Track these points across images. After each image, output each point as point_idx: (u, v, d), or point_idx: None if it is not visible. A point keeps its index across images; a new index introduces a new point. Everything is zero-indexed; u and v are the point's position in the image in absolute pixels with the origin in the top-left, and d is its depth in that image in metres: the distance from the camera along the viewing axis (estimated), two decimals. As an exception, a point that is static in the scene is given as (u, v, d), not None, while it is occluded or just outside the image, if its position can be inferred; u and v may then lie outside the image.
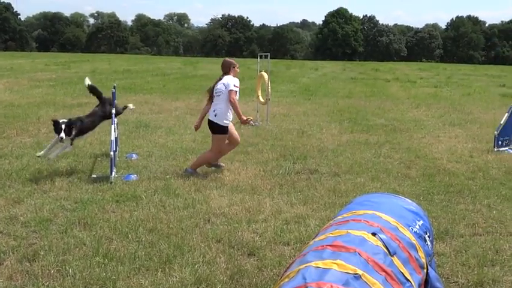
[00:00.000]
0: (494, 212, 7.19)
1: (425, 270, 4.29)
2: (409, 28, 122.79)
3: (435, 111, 18.38)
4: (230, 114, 8.99)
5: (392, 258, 3.86)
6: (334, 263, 3.51)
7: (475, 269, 5.25)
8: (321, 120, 15.62)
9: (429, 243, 4.63)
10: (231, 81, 8.89)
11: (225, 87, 8.85)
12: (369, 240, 3.90)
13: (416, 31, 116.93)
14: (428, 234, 4.66)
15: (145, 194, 7.61)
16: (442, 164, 10.08)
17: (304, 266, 3.55)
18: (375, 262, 3.68)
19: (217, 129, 8.92)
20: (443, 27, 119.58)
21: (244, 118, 8.94)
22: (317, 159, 10.21)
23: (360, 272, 3.47)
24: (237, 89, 8.93)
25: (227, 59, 9.38)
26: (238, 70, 9.26)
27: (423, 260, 4.28)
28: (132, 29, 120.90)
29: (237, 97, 8.96)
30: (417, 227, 4.53)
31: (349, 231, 4.02)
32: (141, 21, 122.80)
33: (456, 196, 7.92)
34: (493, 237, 6.20)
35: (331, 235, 4.03)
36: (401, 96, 23.74)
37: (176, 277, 4.96)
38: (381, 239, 3.93)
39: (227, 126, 8.97)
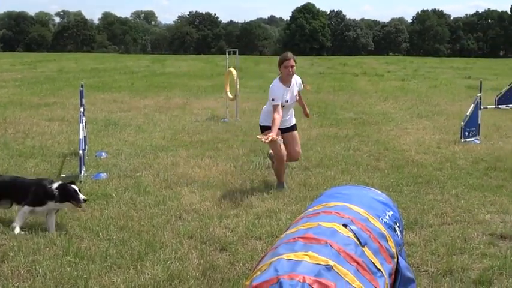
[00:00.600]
0: (462, 201, 7.30)
1: (395, 260, 4.33)
2: (375, 22, 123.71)
3: (403, 104, 18.56)
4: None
5: (363, 248, 3.90)
6: (306, 255, 3.53)
7: (445, 257, 5.33)
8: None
9: (399, 233, 4.68)
10: (270, 91, 7.72)
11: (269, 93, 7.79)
12: (340, 231, 3.93)
13: (383, 25, 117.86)
14: (398, 224, 4.71)
15: (116, 192, 7.55)
16: (411, 155, 10.20)
17: (276, 258, 3.57)
18: (346, 253, 3.71)
19: (261, 129, 7.99)
20: (409, 21, 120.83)
21: (265, 137, 7.18)
22: (287, 153, 10.23)
23: (331, 263, 3.49)
24: (274, 102, 7.58)
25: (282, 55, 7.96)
26: (288, 69, 7.69)
27: (393, 250, 4.32)
28: (99, 28, 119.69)
29: (286, 103, 7.75)
30: (387, 217, 4.57)
31: (320, 223, 4.05)
32: (108, 20, 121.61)
33: (425, 187, 8.03)
34: (461, 226, 6.30)
35: (302, 227, 4.05)
36: (369, 90, 23.92)
37: (148, 274, 4.94)
38: (352, 230, 3.96)
39: (265, 126, 7.82)
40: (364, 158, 9.92)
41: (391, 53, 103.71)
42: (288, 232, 4.17)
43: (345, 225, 4.00)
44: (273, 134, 7.23)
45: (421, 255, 5.39)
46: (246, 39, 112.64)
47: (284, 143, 7.88)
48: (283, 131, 7.96)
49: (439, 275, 4.95)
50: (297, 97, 8.06)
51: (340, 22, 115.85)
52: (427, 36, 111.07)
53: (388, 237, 4.32)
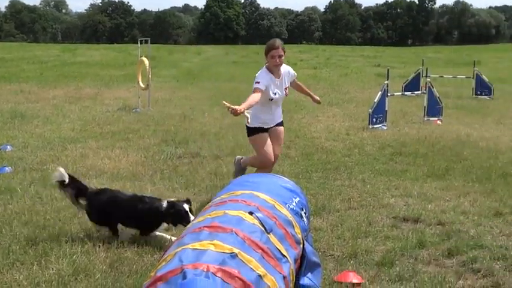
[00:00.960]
0: (368, 186, 7.51)
1: (301, 246, 4.41)
2: (289, 11, 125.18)
3: (314, 92, 18.33)
4: (261, 116, 6.72)
5: (268, 235, 3.95)
6: (211, 244, 3.54)
7: (350, 241, 5.47)
8: (204, 104, 15.63)
9: (305, 219, 4.77)
10: (257, 76, 6.67)
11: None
12: (245, 219, 3.96)
13: (297, 14, 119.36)
14: (304, 210, 4.80)
15: (21, 186, 7.30)
16: (321, 142, 10.39)
17: (181, 248, 3.56)
18: (252, 240, 3.75)
19: (248, 131, 6.95)
20: (322, 10, 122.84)
21: (230, 106, 6.04)
22: (199, 143, 10.22)
23: (236, 251, 3.52)
24: (257, 85, 6.48)
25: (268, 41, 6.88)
26: (275, 59, 6.59)
27: (299, 236, 4.40)
28: (6, 16, 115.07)
29: (275, 96, 6.73)
30: (294, 204, 4.65)
31: (227, 211, 4.07)
32: (16, 8, 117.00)
33: (333, 173, 8.20)
34: (366, 210, 6.48)
35: (209, 216, 4.06)
36: (282, 78, 24.12)
37: (53, 269, 4.81)
38: (258, 218, 4.01)
39: (251, 127, 6.77)
40: (275, 146, 10.00)
41: (304, 42, 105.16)
42: (194, 221, 4.17)
43: (251, 213, 4.04)
44: (241, 108, 6.07)
45: (328, 240, 5.51)
46: (160, 27, 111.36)
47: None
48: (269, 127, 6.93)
49: (344, 259, 5.08)
50: (287, 91, 6.96)
51: (254, 11, 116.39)
52: (339, 25, 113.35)
53: (294, 224, 4.40)
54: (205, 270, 3.27)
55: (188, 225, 4.19)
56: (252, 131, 6.85)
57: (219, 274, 3.27)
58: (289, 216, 4.41)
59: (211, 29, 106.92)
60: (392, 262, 4.99)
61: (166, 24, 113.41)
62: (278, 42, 6.72)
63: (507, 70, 31.02)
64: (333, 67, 31.97)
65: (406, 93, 16.11)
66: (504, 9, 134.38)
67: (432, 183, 7.71)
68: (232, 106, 6.01)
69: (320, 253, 5.09)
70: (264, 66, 6.81)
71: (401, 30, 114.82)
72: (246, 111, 6.14)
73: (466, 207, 6.63)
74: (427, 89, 13.55)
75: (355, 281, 4.53)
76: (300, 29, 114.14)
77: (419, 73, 17.87)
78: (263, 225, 3.98)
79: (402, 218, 6.26)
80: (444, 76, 21.53)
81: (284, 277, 3.77)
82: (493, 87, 18.33)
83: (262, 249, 3.75)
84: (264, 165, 6.88)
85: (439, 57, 44.00)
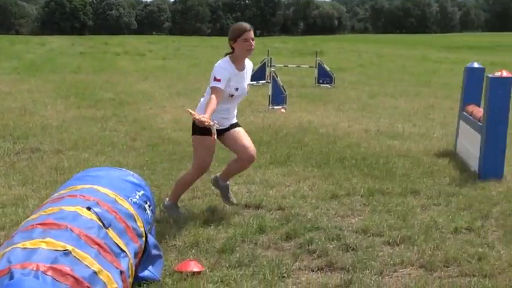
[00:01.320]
0: (213, 175, 7.56)
1: (143, 239, 4.40)
2: (138, 2, 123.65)
3: (163, 83, 18.79)
4: (218, 114, 5.72)
5: (107, 230, 3.90)
6: (43, 242, 3.45)
7: (192, 230, 5.49)
8: (46, 96, 15.03)
9: (149, 212, 4.76)
10: (215, 70, 5.68)
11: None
12: (83, 215, 3.89)
13: (146, 4, 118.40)
14: (149, 203, 4.79)
15: None
16: (167, 133, 10.35)
17: (10, 248, 3.44)
18: (88, 236, 3.69)
19: (193, 128, 5.86)
20: (172, 0, 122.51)
21: (197, 115, 5.14)
22: (40, 137, 9.80)
23: (69, 248, 3.45)
24: (216, 84, 5.54)
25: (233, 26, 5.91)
26: (249, 42, 5.66)
27: (142, 229, 4.39)
28: None
29: (236, 92, 5.79)
30: (137, 197, 4.63)
31: (63, 207, 3.97)
32: None
33: (178, 163, 8.18)
34: (210, 199, 6.56)
35: (43, 213, 3.95)
36: (130, 70, 23.85)
37: None
38: (96, 213, 3.95)
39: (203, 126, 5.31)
40: (121, 138, 9.85)
41: (154, 33, 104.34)
42: (28, 219, 4.02)
43: (89, 208, 3.97)
44: (207, 118, 5.14)
45: (170, 231, 5.51)
46: (0, 17, 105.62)
47: (228, 144, 6.09)
48: (223, 130, 5.97)
49: (186, 248, 5.10)
50: (248, 88, 6.00)
51: (102, 1, 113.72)
52: (189, 15, 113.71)
53: (136, 217, 4.38)
54: (34, 269, 3.18)
55: (21, 224, 4.04)
56: (200, 130, 5.65)
57: (49, 273, 3.20)
58: (131, 210, 4.38)
59: (57, 18, 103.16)
60: (232, 248, 5.09)
61: (8, 13, 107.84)
62: (246, 24, 5.80)
63: (347, 60, 32.67)
64: (182, 58, 31.98)
65: (252, 82, 16.40)
66: (346, 1, 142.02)
67: (274, 169, 7.96)
68: (197, 116, 5.09)
69: (163, 244, 5.09)
70: (227, 57, 5.81)
71: (250, 21, 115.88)
72: (214, 124, 5.25)
73: (305, 192, 6.91)
74: (271, 78, 13.92)
75: (195, 269, 4.58)
76: (149, 19, 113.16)
77: (264, 63, 18.30)
78: (101, 220, 3.92)
79: (244, 204, 6.39)
80: (289, 66, 22.22)
81: (121, 272, 3.75)
82: (334, 76, 19.17)
83: (99, 245, 3.70)
84: (198, 170, 6.04)
85: (286, 47, 45.39)
